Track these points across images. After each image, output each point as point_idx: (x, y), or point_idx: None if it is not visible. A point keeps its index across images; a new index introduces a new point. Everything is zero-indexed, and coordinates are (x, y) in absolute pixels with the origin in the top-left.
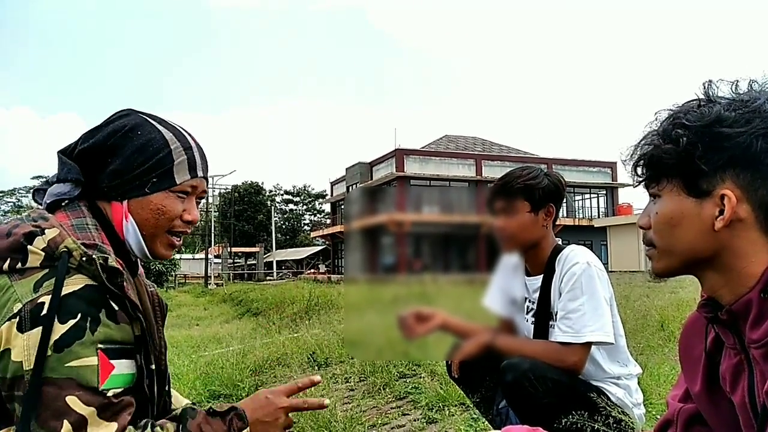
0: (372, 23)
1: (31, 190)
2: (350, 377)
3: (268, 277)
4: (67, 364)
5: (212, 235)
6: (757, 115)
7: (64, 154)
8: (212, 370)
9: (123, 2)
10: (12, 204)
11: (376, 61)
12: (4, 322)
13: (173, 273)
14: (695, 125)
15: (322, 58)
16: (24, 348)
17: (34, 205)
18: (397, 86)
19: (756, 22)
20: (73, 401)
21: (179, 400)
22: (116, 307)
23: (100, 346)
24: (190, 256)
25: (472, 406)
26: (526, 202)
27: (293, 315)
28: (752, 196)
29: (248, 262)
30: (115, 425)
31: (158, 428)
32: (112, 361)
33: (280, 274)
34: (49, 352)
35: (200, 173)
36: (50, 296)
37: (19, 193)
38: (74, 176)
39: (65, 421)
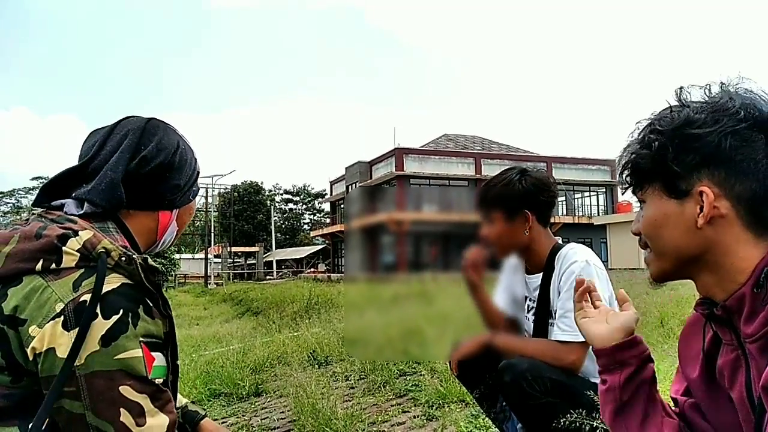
0: (371, 22)
1: (41, 208)
2: (350, 375)
3: (267, 277)
4: (116, 357)
5: (212, 234)
6: (724, 114)
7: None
8: (212, 369)
9: (122, 2)
10: (11, 205)
11: (376, 60)
12: (48, 322)
13: (173, 273)
14: (666, 129)
15: (321, 58)
16: (71, 345)
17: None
18: (396, 85)
19: (757, 21)
20: (126, 390)
21: (179, 399)
22: (151, 304)
23: (141, 339)
24: (189, 255)
25: (472, 402)
26: (501, 211)
27: (293, 314)
28: (730, 192)
29: (248, 262)
30: (167, 419)
31: None
32: (152, 353)
33: (280, 273)
34: (97, 347)
35: None
36: (91, 294)
37: (19, 194)
38: (111, 204)
39: (122, 409)
